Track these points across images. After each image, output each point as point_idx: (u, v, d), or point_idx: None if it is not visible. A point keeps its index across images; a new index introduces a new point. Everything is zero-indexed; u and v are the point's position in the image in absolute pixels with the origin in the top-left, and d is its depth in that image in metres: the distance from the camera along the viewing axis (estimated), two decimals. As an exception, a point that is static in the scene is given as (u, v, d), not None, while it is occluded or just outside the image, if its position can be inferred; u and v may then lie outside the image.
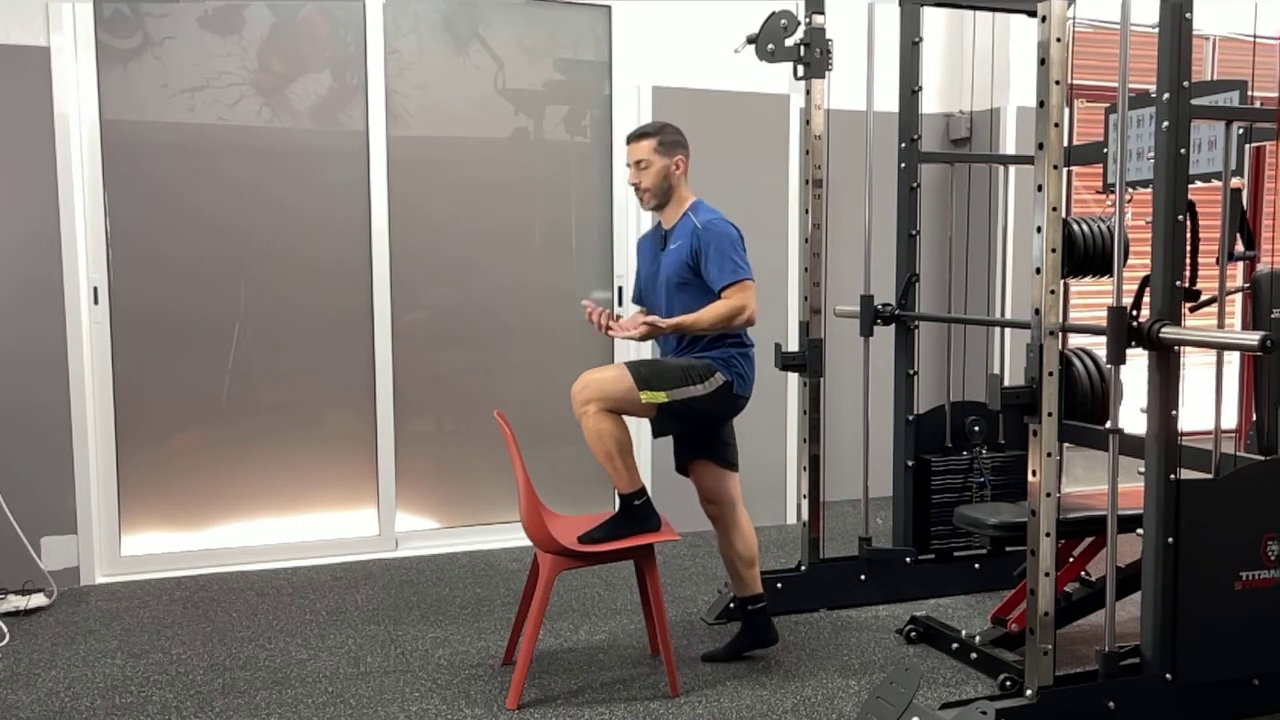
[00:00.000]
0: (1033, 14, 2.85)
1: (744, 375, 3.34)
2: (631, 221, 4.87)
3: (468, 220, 4.79)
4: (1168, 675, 2.89)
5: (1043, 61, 2.76)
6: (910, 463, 4.11)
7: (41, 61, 4.08)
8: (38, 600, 3.99)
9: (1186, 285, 2.86)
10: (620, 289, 4.94)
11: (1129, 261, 3.08)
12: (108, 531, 4.34)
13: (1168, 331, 2.79)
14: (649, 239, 3.55)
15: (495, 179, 4.81)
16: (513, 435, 3.23)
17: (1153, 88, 2.87)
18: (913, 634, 3.67)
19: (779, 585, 3.88)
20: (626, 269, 4.88)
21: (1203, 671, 2.92)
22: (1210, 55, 5.52)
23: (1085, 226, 3.63)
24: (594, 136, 4.95)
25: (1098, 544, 3.44)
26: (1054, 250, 2.79)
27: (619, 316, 3.40)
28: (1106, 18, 5.27)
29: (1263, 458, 3.04)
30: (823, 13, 3.81)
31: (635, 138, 3.39)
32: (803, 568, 4.00)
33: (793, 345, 4.17)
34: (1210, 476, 2.99)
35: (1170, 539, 2.85)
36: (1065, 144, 2.86)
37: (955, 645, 3.49)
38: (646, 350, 3.43)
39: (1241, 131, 3.44)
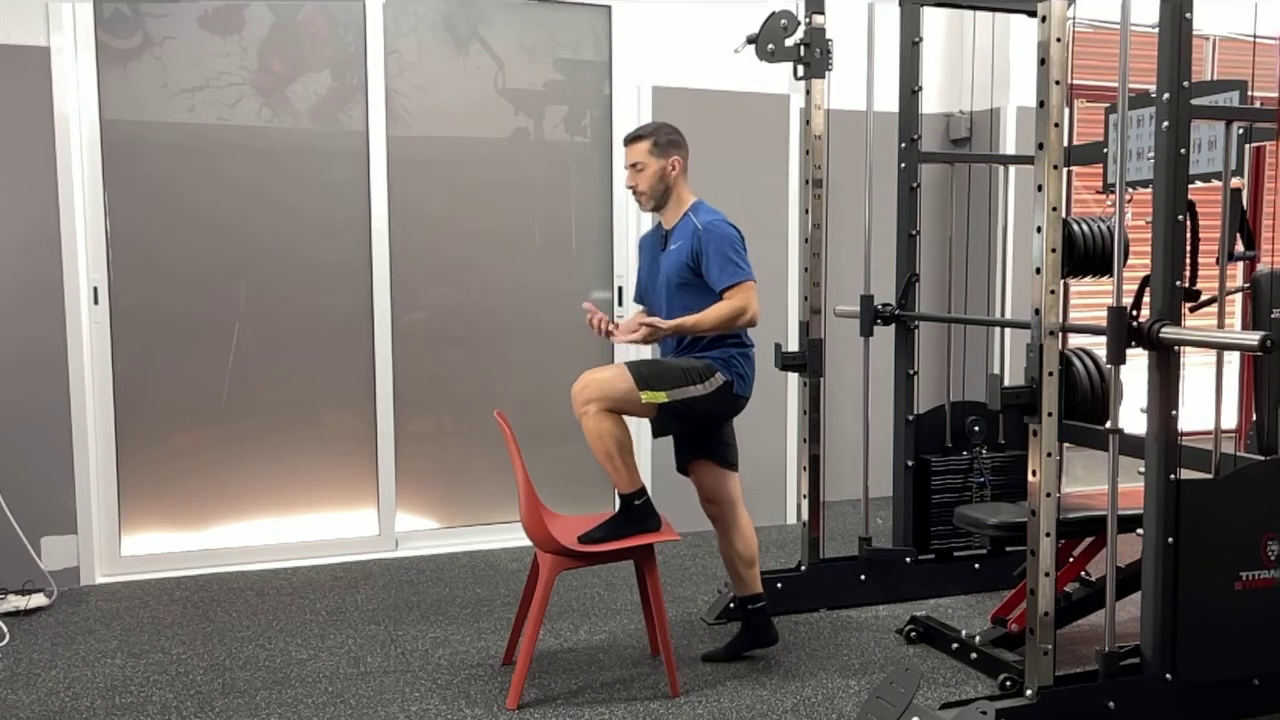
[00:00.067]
0: (1033, 14, 2.85)
1: (744, 375, 3.34)
2: (631, 221, 4.87)
3: (468, 220, 4.79)
4: (1168, 675, 2.89)
5: (1043, 61, 2.76)
6: (910, 463, 4.11)
7: (41, 61, 4.08)
8: (38, 600, 3.99)
9: (1186, 285, 2.86)
10: (620, 289, 4.94)
11: (1129, 261, 3.08)
12: (108, 531, 4.34)
13: (1168, 331, 2.79)
14: (650, 239, 3.56)
15: (495, 179, 4.81)
16: (513, 435, 3.23)
17: (1153, 88, 2.87)
18: (913, 634, 3.67)
19: (779, 585, 3.88)
20: (626, 269, 4.88)
21: (1203, 671, 2.92)
22: (1210, 55, 5.52)
23: (1085, 226, 3.63)
24: (594, 136, 4.95)
25: (1098, 544, 3.44)
26: (1054, 250, 2.79)
27: (618, 321, 3.39)
28: (1106, 18, 5.27)
29: (1263, 458, 3.04)
30: (823, 13, 3.81)
31: (631, 140, 3.40)
32: (803, 568, 4.00)
33: (793, 345, 4.17)
34: (1210, 476, 2.99)
35: (1170, 539, 2.85)
36: (1065, 144, 2.86)
37: (955, 645, 3.49)
38: (647, 350, 3.44)
39: (1241, 131, 3.44)
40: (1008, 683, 3.16)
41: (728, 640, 3.55)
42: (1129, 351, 2.82)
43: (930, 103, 5.33)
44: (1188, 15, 2.76)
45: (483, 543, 4.82)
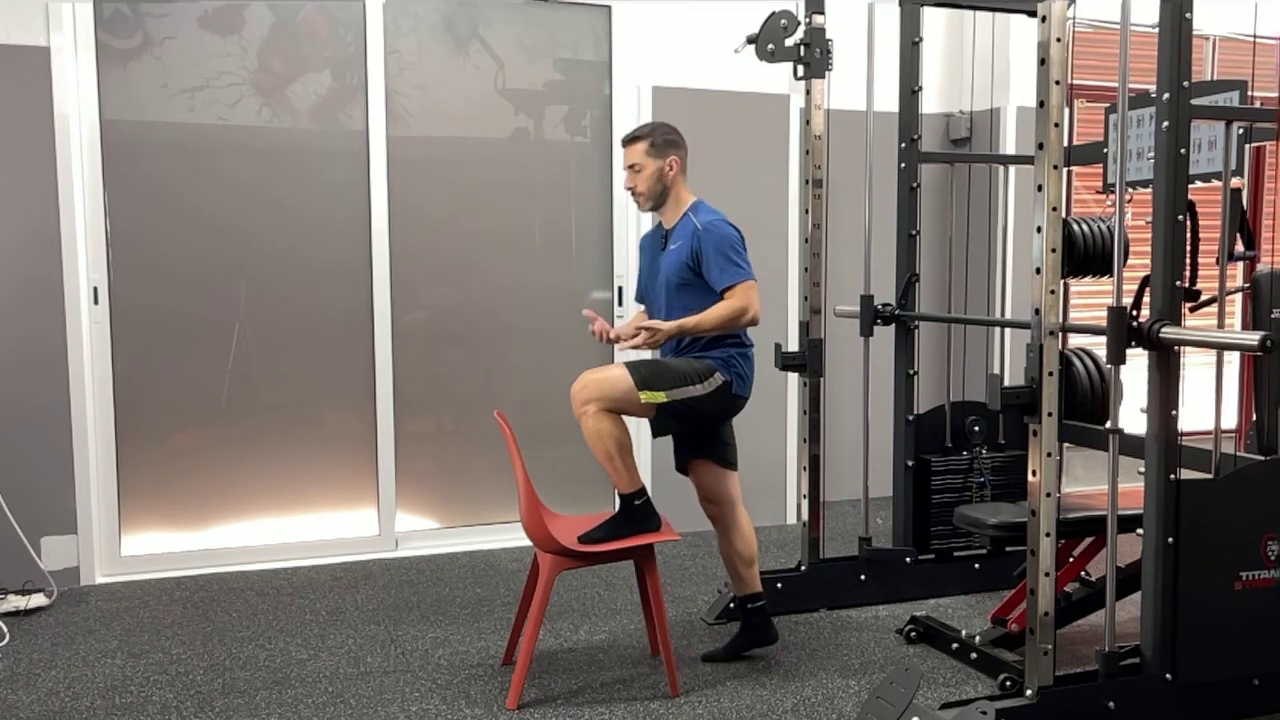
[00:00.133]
0: (1033, 14, 2.85)
1: (743, 375, 3.35)
2: (631, 221, 4.87)
3: (468, 220, 4.79)
4: (1168, 675, 2.89)
5: (1043, 61, 2.76)
6: (910, 463, 4.11)
7: (41, 61, 4.08)
8: (38, 600, 3.99)
9: (1186, 285, 2.86)
10: (620, 289, 4.94)
11: (1129, 261, 3.08)
12: (108, 531, 4.34)
13: (1168, 331, 2.79)
14: (650, 239, 3.56)
15: (495, 179, 4.81)
16: (513, 435, 3.23)
17: (1153, 88, 2.86)
18: (913, 634, 3.67)
19: (779, 585, 3.88)
20: (627, 269, 4.88)
21: (1203, 671, 2.92)
22: (1210, 55, 5.52)
23: (1085, 226, 3.63)
24: (594, 136, 4.95)
25: (1098, 544, 3.44)
26: (1054, 250, 2.79)
27: (619, 332, 3.39)
28: (1106, 18, 5.27)
29: (1263, 458, 3.04)
30: (823, 13, 3.81)
31: (628, 141, 3.40)
32: (803, 568, 4.00)
33: (793, 345, 4.17)
34: (1210, 476, 2.99)
35: (1170, 539, 2.85)
36: (1065, 144, 2.86)
37: (955, 645, 3.49)
38: (647, 350, 3.45)
39: (1241, 131, 3.44)
40: (1008, 683, 3.16)
41: (728, 640, 3.55)
42: (1129, 351, 2.82)
43: (930, 103, 5.33)
44: (1188, 15, 2.76)
45: (483, 543, 4.82)
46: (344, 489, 4.69)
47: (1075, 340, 4.02)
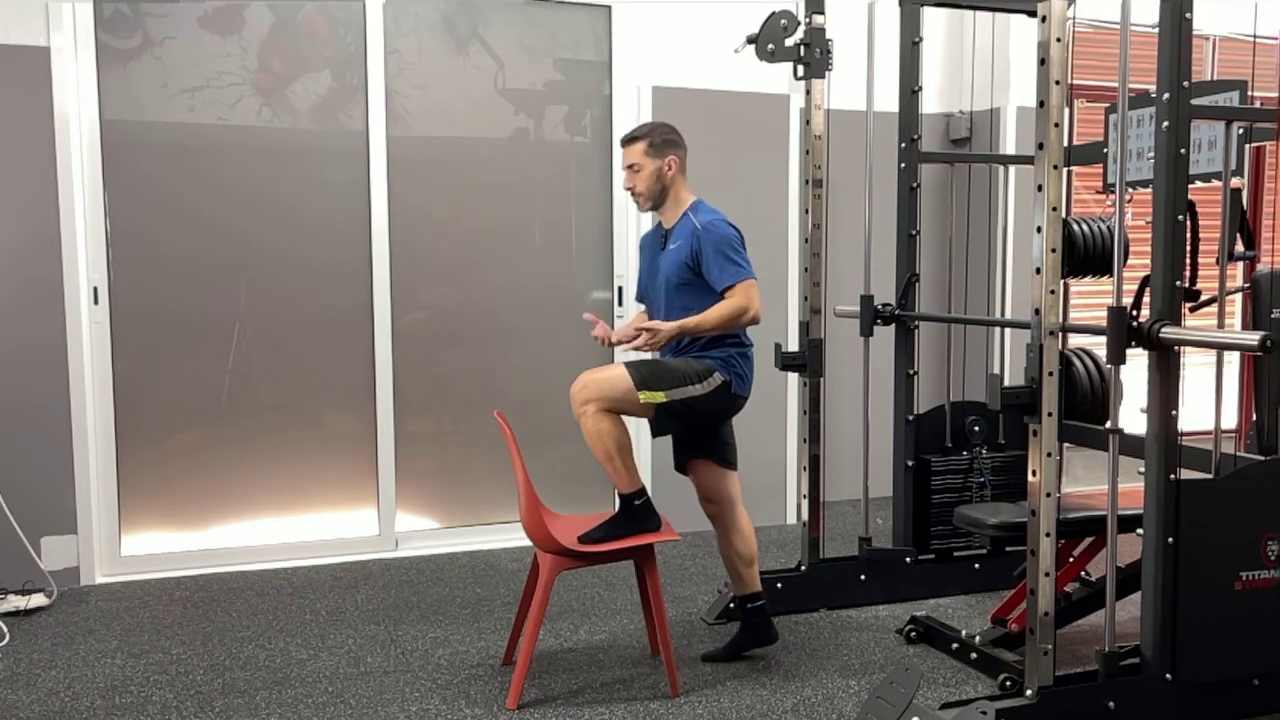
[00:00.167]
0: (1033, 14, 2.85)
1: (743, 375, 3.34)
2: (631, 221, 4.87)
3: (468, 220, 4.79)
4: (1168, 675, 2.89)
5: (1043, 61, 2.76)
6: (910, 463, 4.11)
7: (41, 61, 4.08)
8: (38, 600, 3.99)
9: (1186, 285, 2.86)
10: (620, 289, 4.95)
11: (1129, 261, 3.08)
12: (108, 531, 4.34)
13: (1168, 331, 2.79)
14: (650, 238, 3.56)
15: (495, 179, 4.81)
16: (513, 435, 3.23)
17: (1153, 88, 2.87)
18: (913, 634, 3.67)
19: (779, 585, 3.88)
20: (627, 269, 4.88)
21: (1203, 671, 2.92)
22: (1210, 55, 5.53)
23: (1085, 226, 3.63)
24: (594, 136, 4.95)
25: (1098, 544, 3.43)
26: (1054, 250, 2.79)
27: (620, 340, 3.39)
28: (1106, 18, 5.27)
29: (1263, 458, 3.04)
30: (823, 13, 3.81)
31: (626, 141, 3.40)
32: (803, 568, 4.00)
33: (793, 345, 4.17)
34: (1210, 476, 2.99)
35: (1170, 539, 2.85)
36: (1065, 144, 2.86)
37: (955, 645, 3.49)
38: (647, 350, 3.46)
39: (1241, 131, 3.44)
40: (1008, 683, 3.16)
41: (728, 640, 3.55)
42: (1129, 351, 2.82)
43: (930, 103, 5.33)
44: (1188, 15, 2.76)
45: (483, 543, 4.82)
46: (344, 489, 4.69)
47: (1075, 340, 4.02)
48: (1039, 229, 2.79)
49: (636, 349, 3.25)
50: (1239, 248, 3.33)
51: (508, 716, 3.11)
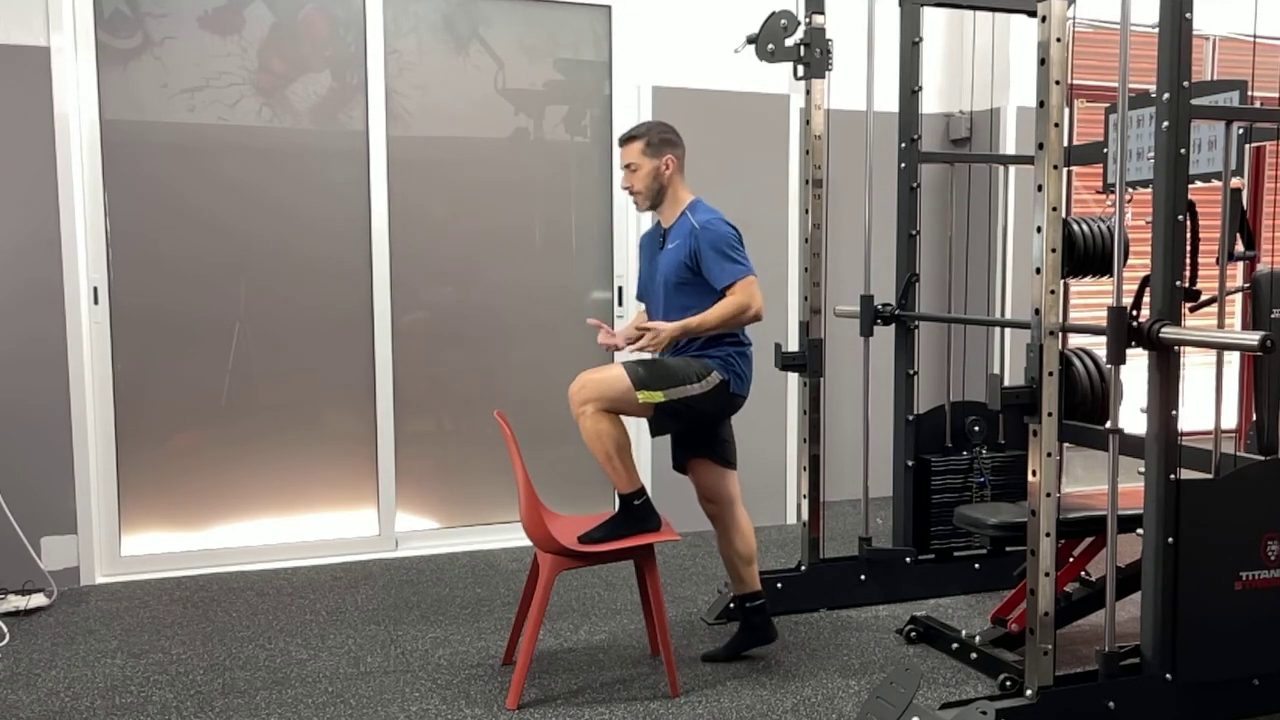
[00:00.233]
0: (1033, 14, 2.85)
1: (741, 374, 3.34)
2: (631, 221, 4.87)
3: (468, 220, 4.79)
4: (1168, 675, 2.89)
5: (1043, 61, 2.76)
6: (910, 463, 4.11)
7: (41, 61, 4.08)
8: (38, 600, 3.99)
9: (1186, 285, 2.86)
10: (620, 289, 4.95)
11: (1129, 261, 3.08)
12: (108, 531, 4.34)
13: (1168, 331, 2.79)
14: (649, 237, 3.56)
15: (495, 179, 4.81)
16: (513, 435, 3.23)
17: (1153, 88, 2.87)
18: (913, 634, 3.67)
19: (779, 585, 3.88)
20: (627, 269, 4.89)
21: (1203, 671, 2.92)
22: (1210, 55, 5.53)
23: (1085, 226, 3.63)
24: (594, 136, 4.95)
25: (1098, 544, 3.44)
26: (1054, 250, 2.79)
27: (626, 342, 3.40)
28: (1106, 18, 5.27)
29: (1263, 458, 3.04)
30: (823, 13, 3.81)
31: (624, 141, 3.40)
32: (803, 568, 3.99)
33: (793, 345, 4.17)
34: (1210, 476, 2.99)
35: (1170, 539, 2.85)
36: (1065, 144, 2.86)
37: (955, 645, 3.48)
38: (649, 351, 3.47)
39: (1241, 131, 3.44)
40: (1008, 683, 3.16)
41: (728, 640, 3.55)
42: (1129, 351, 2.82)
43: (930, 103, 5.33)
44: (1188, 15, 2.76)
45: (483, 543, 4.82)
46: (344, 489, 4.69)
47: (1075, 340, 4.03)
48: (1039, 229, 2.79)
49: (640, 349, 3.25)
50: (1239, 248, 3.33)
51: (508, 716, 3.11)
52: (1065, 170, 3.34)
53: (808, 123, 3.87)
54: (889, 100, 4.14)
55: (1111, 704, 2.89)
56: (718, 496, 3.44)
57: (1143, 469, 2.90)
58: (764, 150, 5.12)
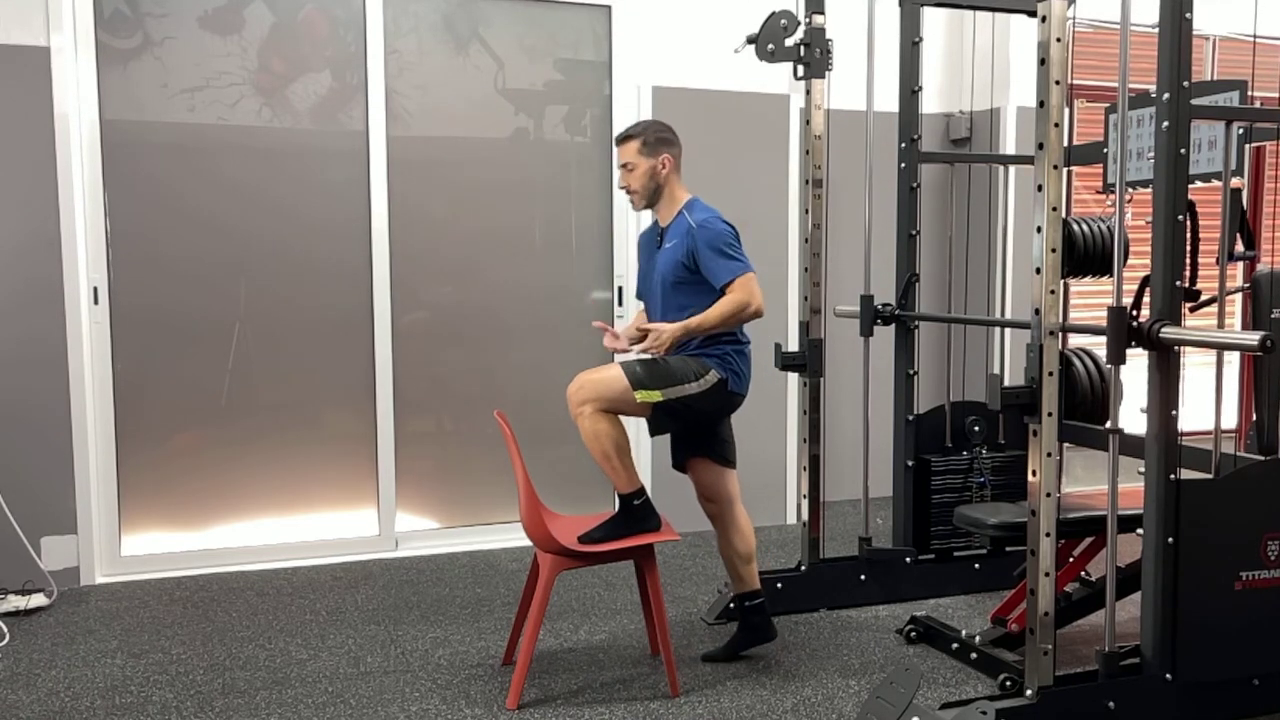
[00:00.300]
0: (1033, 14, 2.85)
1: (739, 373, 3.34)
2: (631, 221, 4.87)
3: (468, 220, 4.79)
4: (1168, 675, 2.89)
5: (1043, 61, 2.76)
6: (910, 463, 4.11)
7: (41, 61, 4.08)
8: (38, 600, 3.99)
9: (1186, 285, 2.86)
10: (620, 289, 4.95)
11: (1129, 261, 3.08)
12: (108, 531, 4.34)
13: (1168, 331, 2.79)
14: (646, 237, 3.56)
15: (495, 179, 4.81)
16: (513, 435, 3.23)
17: (1153, 88, 2.87)
18: (913, 634, 3.67)
19: (779, 585, 3.88)
20: (627, 269, 4.89)
21: (1203, 671, 2.92)
22: (1210, 55, 5.52)
23: (1085, 226, 3.63)
24: (594, 136, 4.95)
25: (1098, 544, 3.43)
26: (1054, 250, 2.79)
27: (630, 343, 3.41)
28: (1106, 18, 5.27)
29: (1263, 458, 3.04)
30: (823, 13, 3.81)
31: (621, 140, 3.40)
32: (803, 568, 3.99)
33: (793, 345, 4.17)
34: (1210, 476, 2.99)
35: (1170, 539, 2.85)
36: (1065, 144, 2.86)
37: (955, 645, 3.48)
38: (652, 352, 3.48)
39: (1241, 131, 3.44)
40: (1008, 683, 3.16)
41: (728, 640, 3.55)
42: (1129, 351, 2.82)
43: (930, 103, 5.33)
44: (1188, 15, 2.76)
45: (483, 543, 4.82)
46: (344, 489, 4.69)
47: (1075, 340, 4.02)
48: (1039, 229, 2.79)
49: (643, 350, 3.25)
50: (1239, 248, 3.33)
51: (508, 716, 3.11)
52: (1065, 170, 3.34)
53: (808, 123, 3.87)
54: (889, 100, 4.14)
55: (1111, 704, 2.89)
56: (717, 495, 3.44)
57: (1143, 469, 2.90)
58: (764, 150, 5.13)
